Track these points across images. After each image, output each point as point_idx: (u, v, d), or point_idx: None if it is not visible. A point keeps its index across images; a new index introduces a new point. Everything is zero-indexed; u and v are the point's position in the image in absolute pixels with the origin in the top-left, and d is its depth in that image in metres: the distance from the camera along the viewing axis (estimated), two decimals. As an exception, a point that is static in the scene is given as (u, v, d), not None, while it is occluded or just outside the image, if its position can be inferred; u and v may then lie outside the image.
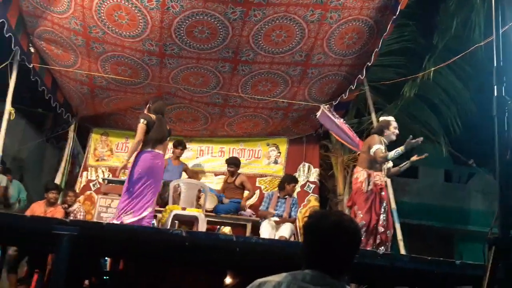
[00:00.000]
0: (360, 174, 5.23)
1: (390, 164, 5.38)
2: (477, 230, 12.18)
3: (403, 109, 8.42)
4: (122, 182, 6.19)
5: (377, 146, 5.12)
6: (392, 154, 5.04)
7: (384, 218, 5.06)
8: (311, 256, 1.68)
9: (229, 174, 7.42)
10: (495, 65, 1.86)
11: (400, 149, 5.01)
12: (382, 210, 5.08)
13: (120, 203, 5.30)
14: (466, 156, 8.99)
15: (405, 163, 5.38)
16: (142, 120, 5.39)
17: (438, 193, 13.49)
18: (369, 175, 5.14)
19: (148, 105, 5.68)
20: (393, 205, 5.68)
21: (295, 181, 7.18)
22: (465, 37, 7.40)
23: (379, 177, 5.16)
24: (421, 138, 5.02)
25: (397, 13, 5.57)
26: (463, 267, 4.37)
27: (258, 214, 7.04)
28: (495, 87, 1.83)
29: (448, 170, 14.37)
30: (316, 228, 1.70)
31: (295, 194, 7.50)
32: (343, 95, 7.02)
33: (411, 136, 4.94)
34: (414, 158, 5.23)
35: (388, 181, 5.72)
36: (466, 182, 14.42)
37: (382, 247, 5.03)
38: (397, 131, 5.30)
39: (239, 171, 7.48)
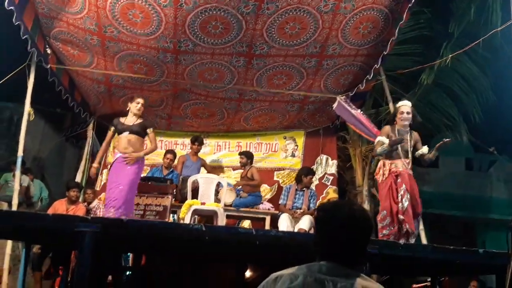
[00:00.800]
0: (379, 164, 5.34)
1: (424, 150, 5.29)
2: (499, 218, 12.01)
3: (422, 97, 8.32)
4: (143, 180, 6.26)
5: (378, 139, 5.28)
6: (379, 150, 5.19)
7: (403, 206, 5.00)
8: (325, 248, 1.68)
9: (240, 165, 7.48)
10: (513, 49, 1.82)
11: (385, 146, 5.12)
12: (399, 197, 5.03)
13: (129, 199, 5.38)
14: (487, 143, 8.84)
15: (432, 150, 5.30)
16: (151, 129, 5.64)
17: (459, 182, 13.31)
18: (383, 164, 5.17)
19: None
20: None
21: (312, 173, 7.19)
22: (482, 22, 7.26)
23: (395, 165, 5.12)
24: (402, 138, 5.13)
25: (413, 0, 5.49)
26: (486, 256, 4.32)
27: (278, 208, 7.06)
28: (514, 71, 1.80)
29: (469, 158, 14.16)
30: (329, 220, 1.70)
31: (313, 186, 7.51)
32: (360, 85, 6.96)
33: (393, 136, 5.16)
34: (438, 145, 5.23)
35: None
36: (487, 170, 14.21)
37: (412, 237, 4.98)
38: (403, 115, 5.20)
39: (253, 165, 7.50)
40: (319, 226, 1.74)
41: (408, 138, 5.22)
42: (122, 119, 5.64)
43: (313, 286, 1.60)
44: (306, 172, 7.06)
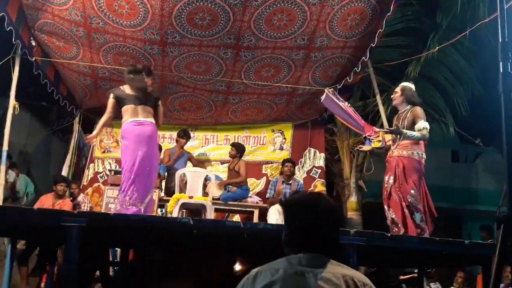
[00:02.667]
0: None
1: (419, 125, 4.89)
2: (485, 209, 12.13)
3: (408, 89, 8.33)
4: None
5: None
6: None
7: (387, 192, 4.95)
8: (303, 240, 1.69)
9: (229, 155, 7.45)
10: (500, 40, 1.82)
11: None
12: (385, 185, 5.00)
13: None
14: (473, 135, 8.90)
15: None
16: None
17: (445, 173, 13.40)
18: None
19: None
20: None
21: (288, 161, 7.28)
22: (469, 14, 7.29)
23: (390, 153, 5.09)
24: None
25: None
26: (472, 247, 4.37)
27: (266, 202, 7.07)
28: (501, 63, 1.80)
29: (455, 150, 14.27)
30: (307, 213, 1.71)
31: (300, 179, 7.53)
32: (348, 78, 6.96)
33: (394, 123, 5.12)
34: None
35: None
36: (473, 162, 14.34)
37: (394, 228, 4.88)
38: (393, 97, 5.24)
39: (243, 158, 7.48)
40: (296, 219, 1.73)
41: (402, 118, 5.01)
42: None
43: (294, 278, 1.60)
44: (283, 162, 7.22)
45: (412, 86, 5.22)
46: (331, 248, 1.70)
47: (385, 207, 5.02)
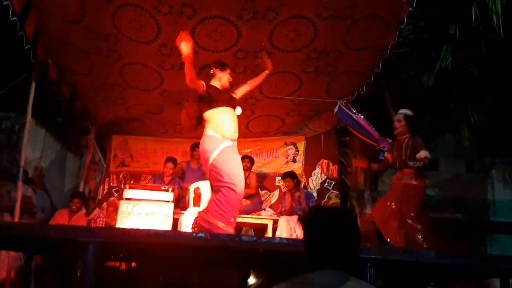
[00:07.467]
0: None
1: (421, 154, 5.15)
2: (501, 220, 11.95)
3: (422, 100, 8.29)
4: (143, 188, 6.21)
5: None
6: None
7: (383, 216, 5.20)
8: (324, 257, 1.69)
9: (245, 169, 7.46)
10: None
11: None
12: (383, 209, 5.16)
13: None
14: (488, 145, 8.82)
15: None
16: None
17: (460, 184, 13.27)
18: None
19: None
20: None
21: (286, 175, 7.29)
22: (483, 24, 7.27)
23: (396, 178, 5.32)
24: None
25: (413, 5, 5.48)
26: (490, 260, 4.31)
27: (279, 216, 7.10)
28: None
29: (470, 160, 14.13)
30: (329, 229, 1.71)
31: (314, 191, 7.57)
32: (360, 90, 6.96)
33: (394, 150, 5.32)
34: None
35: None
36: (488, 172, 14.18)
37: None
38: (394, 125, 5.35)
39: (254, 171, 7.51)
40: (315, 237, 1.74)
41: (404, 147, 5.16)
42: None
43: None
44: (282, 176, 7.36)
45: (411, 113, 5.36)
46: (351, 265, 1.70)
47: (381, 230, 5.14)
